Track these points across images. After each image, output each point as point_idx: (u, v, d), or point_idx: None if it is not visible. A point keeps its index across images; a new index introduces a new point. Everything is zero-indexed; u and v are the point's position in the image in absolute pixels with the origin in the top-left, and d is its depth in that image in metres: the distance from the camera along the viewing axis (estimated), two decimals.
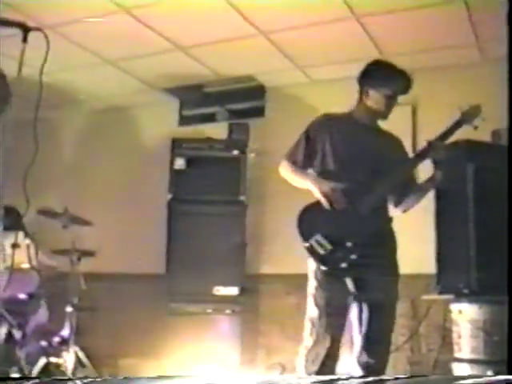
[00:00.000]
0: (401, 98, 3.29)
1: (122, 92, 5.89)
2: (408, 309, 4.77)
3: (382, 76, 3.21)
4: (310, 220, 3.04)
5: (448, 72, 4.89)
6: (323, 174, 3.12)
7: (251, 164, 5.36)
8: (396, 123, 3.35)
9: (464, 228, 3.95)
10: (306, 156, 3.16)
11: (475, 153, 4.03)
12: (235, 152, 5.29)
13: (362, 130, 3.19)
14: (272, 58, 5.07)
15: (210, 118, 5.93)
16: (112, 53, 5.09)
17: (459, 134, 4.09)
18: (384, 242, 3.14)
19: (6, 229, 3.78)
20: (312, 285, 3.06)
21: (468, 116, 3.24)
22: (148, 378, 2.75)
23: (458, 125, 3.25)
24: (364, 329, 3.03)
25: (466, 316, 3.84)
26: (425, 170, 3.34)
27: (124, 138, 6.19)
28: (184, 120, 6.04)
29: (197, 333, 4.84)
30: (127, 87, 5.77)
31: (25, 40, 2.69)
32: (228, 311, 5.03)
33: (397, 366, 4.63)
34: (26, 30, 2.69)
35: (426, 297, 4.39)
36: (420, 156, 3.22)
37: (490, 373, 3.53)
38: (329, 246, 2.94)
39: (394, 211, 3.29)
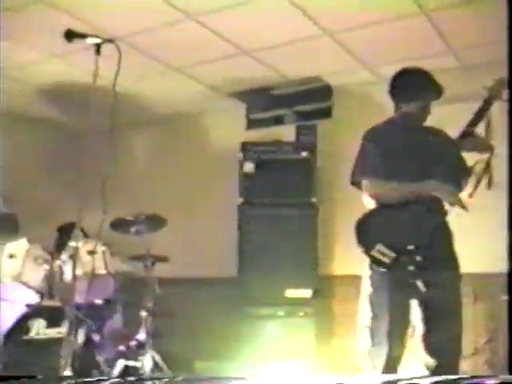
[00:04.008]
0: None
1: (190, 99, 5.97)
2: (487, 310, 4.64)
3: (412, 90, 3.18)
4: (367, 231, 3.03)
5: None
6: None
7: (319, 165, 5.33)
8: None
9: None
10: (380, 164, 3.10)
11: None
12: (304, 154, 5.27)
13: (405, 132, 3.16)
14: (338, 58, 5.03)
15: (277, 121, 5.95)
16: (178, 60, 5.17)
17: None
18: (443, 236, 3.08)
19: (86, 237, 3.93)
20: (368, 290, 3.04)
21: (495, 91, 3.15)
22: (225, 378, 2.79)
23: (488, 103, 3.15)
24: (430, 330, 2.97)
25: None
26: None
27: (193, 144, 6.29)
28: (252, 123, 6.08)
29: (270, 335, 4.85)
30: (194, 94, 5.85)
31: (98, 52, 2.78)
32: (301, 314, 5.01)
33: (477, 368, 4.51)
34: (99, 42, 2.77)
35: (505, 297, 4.25)
36: (461, 138, 3.15)
37: None
38: (392, 254, 2.92)
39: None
